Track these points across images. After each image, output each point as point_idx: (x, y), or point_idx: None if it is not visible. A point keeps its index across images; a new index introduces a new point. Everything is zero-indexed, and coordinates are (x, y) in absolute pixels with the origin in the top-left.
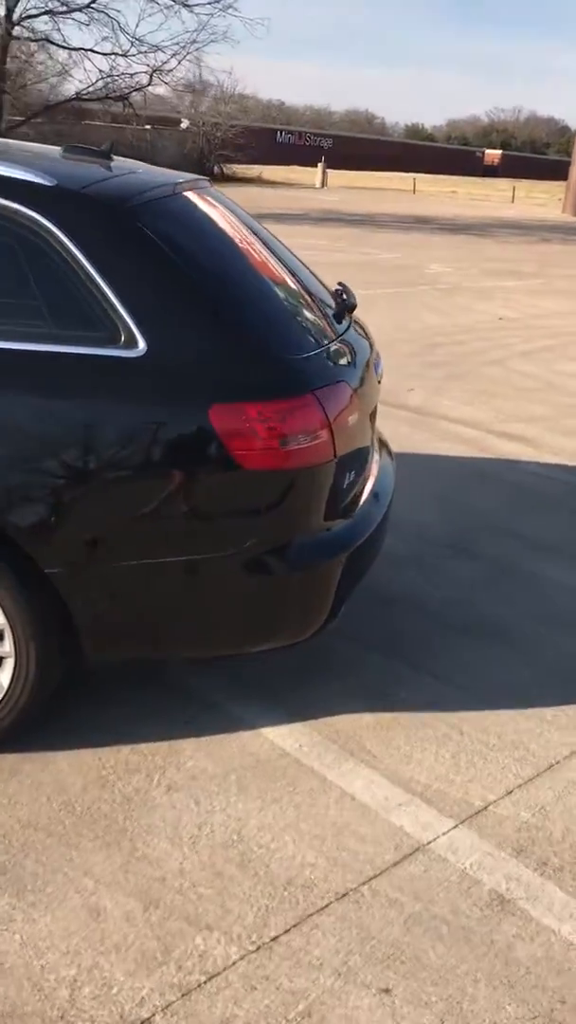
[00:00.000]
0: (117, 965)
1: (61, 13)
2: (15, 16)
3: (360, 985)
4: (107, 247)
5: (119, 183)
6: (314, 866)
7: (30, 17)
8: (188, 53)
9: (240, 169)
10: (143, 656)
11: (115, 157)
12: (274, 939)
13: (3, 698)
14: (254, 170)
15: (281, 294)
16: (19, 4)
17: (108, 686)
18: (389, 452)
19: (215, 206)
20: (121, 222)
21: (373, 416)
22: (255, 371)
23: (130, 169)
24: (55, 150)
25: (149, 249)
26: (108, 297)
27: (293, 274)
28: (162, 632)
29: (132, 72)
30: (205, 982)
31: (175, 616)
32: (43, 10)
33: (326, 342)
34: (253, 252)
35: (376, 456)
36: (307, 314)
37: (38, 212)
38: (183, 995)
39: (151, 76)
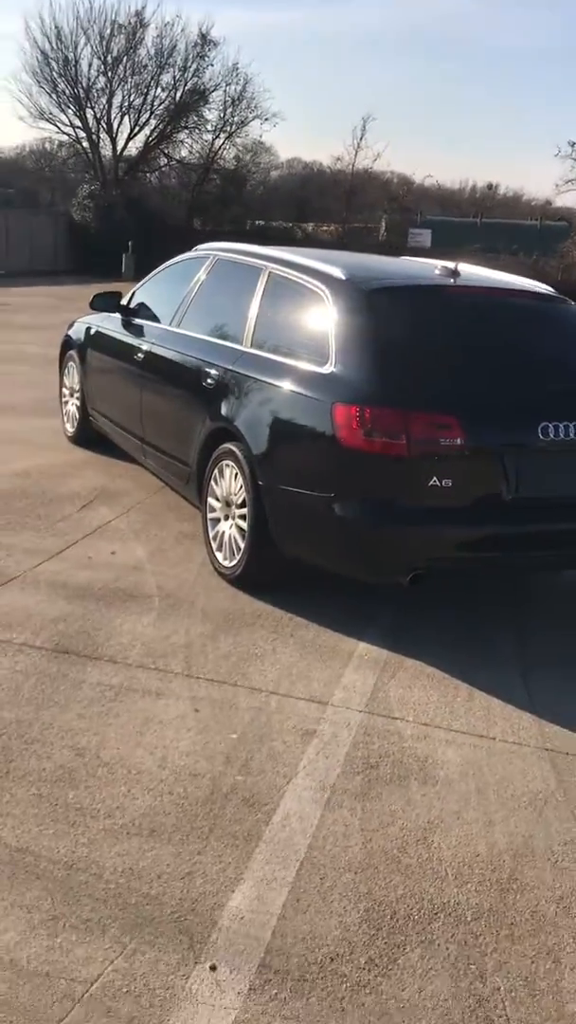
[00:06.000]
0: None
1: None
2: None
3: (166, 681)
4: (342, 312)
5: (389, 281)
6: (263, 675)
7: None
8: None
9: None
10: (303, 557)
11: (462, 270)
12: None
13: (240, 556)
14: None
15: (455, 363)
16: None
17: (346, 592)
18: None
19: (501, 309)
20: (356, 299)
21: None
22: (369, 389)
23: (435, 275)
24: (435, 263)
25: (359, 316)
26: (331, 339)
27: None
28: (299, 540)
29: None
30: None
31: (304, 531)
32: None
33: (485, 395)
34: (477, 335)
35: None
36: (480, 378)
37: (328, 291)
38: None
39: None
